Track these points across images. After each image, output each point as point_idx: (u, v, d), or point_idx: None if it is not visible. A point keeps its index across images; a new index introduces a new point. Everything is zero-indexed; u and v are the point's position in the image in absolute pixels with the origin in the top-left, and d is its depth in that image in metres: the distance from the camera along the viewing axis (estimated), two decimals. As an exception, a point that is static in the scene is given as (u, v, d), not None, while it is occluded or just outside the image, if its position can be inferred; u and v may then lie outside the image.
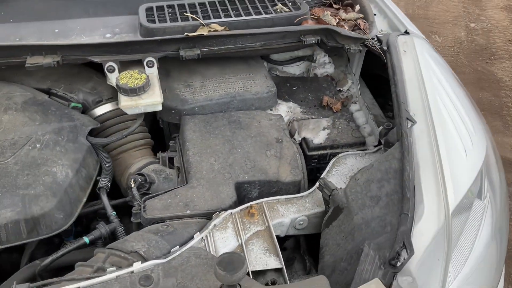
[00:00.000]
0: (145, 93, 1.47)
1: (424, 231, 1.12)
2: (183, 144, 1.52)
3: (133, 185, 1.44)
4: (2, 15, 1.61)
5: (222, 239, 1.27)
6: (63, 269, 1.38)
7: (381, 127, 1.56)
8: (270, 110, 1.74)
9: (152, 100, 1.47)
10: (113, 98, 1.63)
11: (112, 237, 1.38)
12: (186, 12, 1.66)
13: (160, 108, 1.51)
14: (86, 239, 1.33)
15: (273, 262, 1.23)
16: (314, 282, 1.02)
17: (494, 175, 1.37)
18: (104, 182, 1.44)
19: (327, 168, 1.55)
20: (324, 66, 1.98)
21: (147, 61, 1.53)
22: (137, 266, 1.12)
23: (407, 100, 1.44)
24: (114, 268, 1.13)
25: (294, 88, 1.89)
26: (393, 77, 1.55)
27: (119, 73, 1.51)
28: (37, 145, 1.41)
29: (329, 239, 1.27)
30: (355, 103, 1.89)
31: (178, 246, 1.21)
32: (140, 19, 1.60)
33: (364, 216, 1.20)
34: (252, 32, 1.58)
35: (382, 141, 1.52)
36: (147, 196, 1.36)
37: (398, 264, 1.06)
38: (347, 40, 1.70)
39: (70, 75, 1.67)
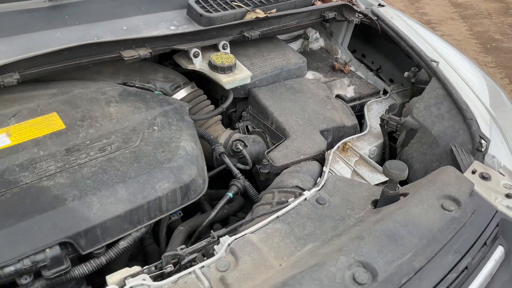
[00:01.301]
0: (236, 69, 1.71)
1: (483, 126, 1.60)
2: (264, 110, 1.79)
3: (241, 148, 1.67)
4: (67, 18, 1.67)
5: (341, 168, 1.60)
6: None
7: (407, 72, 2.01)
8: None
9: (244, 74, 1.71)
10: (186, 83, 1.81)
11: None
12: (227, 1, 1.91)
13: (249, 80, 1.75)
14: (230, 194, 1.54)
15: (383, 177, 1.60)
16: (443, 171, 1.42)
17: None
18: (221, 148, 1.64)
19: (365, 114, 1.96)
20: (318, 41, 2.39)
21: (223, 44, 1.76)
22: (307, 194, 1.40)
23: (421, 49, 1.92)
24: (292, 199, 1.39)
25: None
26: (398, 36, 2.03)
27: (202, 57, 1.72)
28: (155, 128, 1.55)
29: (412, 153, 1.68)
30: (351, 66, 2.34)
31: (319, 178, 1.51)
32: (197, 11, 1.81)
33: (439, 128, 1.64)
34: (293, 12, 1.91)
35: (413, 81, 1.97)
36: (268, 150, 1.62)
37: (483, 149, 1.52)
38: (350, 13, 2.13)
39: (136, 68, 1.80)
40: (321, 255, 1.13)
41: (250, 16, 1.84)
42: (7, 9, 1.61)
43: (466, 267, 1.16)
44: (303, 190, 1.45)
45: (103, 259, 1.33)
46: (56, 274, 1.24)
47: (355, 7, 2.12)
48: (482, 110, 1.68)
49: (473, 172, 1.44)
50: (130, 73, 1.77)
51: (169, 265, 1.22)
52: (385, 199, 1.36)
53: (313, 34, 2.37)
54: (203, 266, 1.17)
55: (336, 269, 1.07)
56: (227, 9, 1.86)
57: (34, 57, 1.43)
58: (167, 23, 1.79)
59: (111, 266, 1.33)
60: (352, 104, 2.04)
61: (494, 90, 1.86)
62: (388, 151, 1.83)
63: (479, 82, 1.86)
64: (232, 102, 1.97)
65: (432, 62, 1.84)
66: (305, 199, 1.38)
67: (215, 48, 1.79)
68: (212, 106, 1.84)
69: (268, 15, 1.82)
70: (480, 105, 1.70)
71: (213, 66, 1.69)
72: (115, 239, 1.34)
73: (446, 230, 1.21)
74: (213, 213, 1.48)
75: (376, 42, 2.41)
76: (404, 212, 1.23)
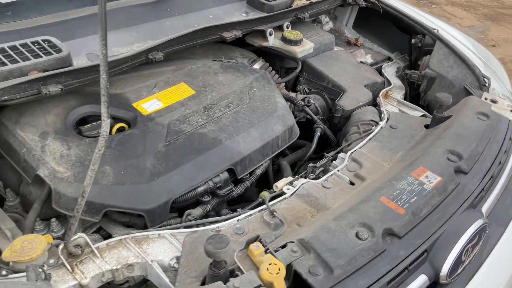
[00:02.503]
0: (303, 42, 2.22)
1: (481, 70, 2.24)
2: (319, 74, 2.30)
3: (313, 101, 2.18)
4: (169, 10, 2.08)
5: (390, 108, 2.16)
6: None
7: (414, 39, 2.61)
8: (330, 50, 2.63)
9: (310, 45, 2.23)
10: (257, 58, 2.29)
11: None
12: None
13: (312, 50, 2.27)
14: (318, 133, 2.04)
15: (419, 113, 2.19)
16: (469, 99, 2.02)
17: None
18: (301, 102, 2.14)
19: (385, 74, 2.55)
20: (328, 23, 2.94)
21: (287, 25, 2.26)
22: (382, 123, 1.94)
23: (421, 20, 2.55)
24: (373, 127, 1.93)
25: (324, 39, 2.80)
26: (399, 13, 2.64)
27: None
28: (255, 89, 2.02)
29: (435, 93, 2.29)
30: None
31: (381, 115, 2.06)
32: (260, 1, 2.29)
33: (452, 74, 2.26)
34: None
35: (419, 45, 2.57)
36: (336, 100, 2.14)
37: (487, 84, 2.16)
38: (359, -2, 2.71)
39: (217, 49, 2.24)
40: (419, 152, 1.68)
41: (303, 2, 2.36)
42: (125, 4, 2.00)
43: (505, 150, 1.77)
44: (376, 122, 2.00)
45: (247, 183, 1.79)
46: (226, 193, 1.69)
47: (364, -7, 2.71)
48: (476, 59, 2.33)
49: (485, 99, 2.07)
50: (215, 53, 2.22)
51: (311, 174, 1.71)
52: (436, 120, 1.94)
53: (324, 18, 2.93)
54: (338, 170, 1.68)
55: (437, 155, 1.62)
56: (280, -1, 2.37)
57: (172, 39, 1.85)
58: (239, 12, 2.26)
59: None
60: (372, 67, 2.62)
61: (477, 45, 2.53)
62: (409, 98, 2.43)
63: (466, 41, 2.52)
64: (285, 72, 2.48)
65: (434, 30, 2.47)
66: (381, 127, 1.93)
67: (279, 28, 2.29)
68: (277, 75, 2.33)
69: (313, 1, 2.35)
70: (473, 56, 2.35)
71: (287, 41, 2.19)
72: (255, 167, 1.80)
73: (487, 131, 1.80)
74: (313, 147, 1.99)
75: (365, 25, 3.00)
76: (459, 123, 1.82)
